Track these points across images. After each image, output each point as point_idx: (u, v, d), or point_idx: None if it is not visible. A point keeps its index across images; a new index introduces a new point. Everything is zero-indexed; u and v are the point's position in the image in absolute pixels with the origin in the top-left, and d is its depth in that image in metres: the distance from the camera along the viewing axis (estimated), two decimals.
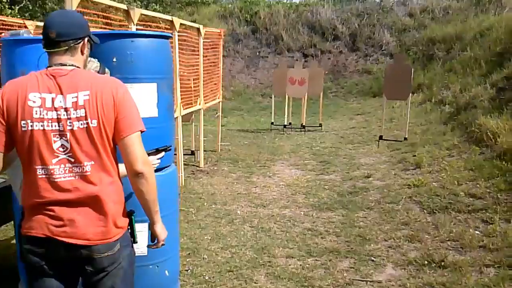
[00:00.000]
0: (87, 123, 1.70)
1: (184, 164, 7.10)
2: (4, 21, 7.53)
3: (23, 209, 1.79)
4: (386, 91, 8.09)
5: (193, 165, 7.27)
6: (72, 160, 1.71)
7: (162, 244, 2.02)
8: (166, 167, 3.06)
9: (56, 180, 1.70)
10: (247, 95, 15.08)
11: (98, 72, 2.25)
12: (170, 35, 3.00)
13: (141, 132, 1.80)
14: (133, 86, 2.78)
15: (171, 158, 3.16)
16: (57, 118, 1.68)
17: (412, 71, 7.90)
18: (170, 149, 2.60)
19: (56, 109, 1.68)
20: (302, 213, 4.98)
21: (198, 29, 6.57)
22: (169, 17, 5.47)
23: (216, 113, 8.48)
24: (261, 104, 14.27)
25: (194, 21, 14.44)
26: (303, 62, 14.86)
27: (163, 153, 2.52)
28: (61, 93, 1.69)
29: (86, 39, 1.83)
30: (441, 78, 11.18)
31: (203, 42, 6.84)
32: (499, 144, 5.55)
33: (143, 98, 2.80)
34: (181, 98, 6.11)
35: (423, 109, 9.81)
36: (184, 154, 7.48)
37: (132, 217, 1.91)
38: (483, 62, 9.60)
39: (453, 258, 3.63)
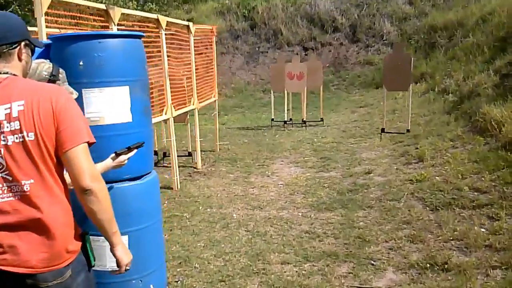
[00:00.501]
0: (23, 137, 1.52)
1: (181, 166, 6.93)
2: None
3: None
4: (386, 83, 7.86)
5: (191, 167, 7.10)
6: (10, 178, 1.53)
7: (126, 269, 1.81)
8: (146, 174, 2.88)
9: None
10: (248, 92, 14.87)
11: (51, 73, 2.05)
12: (142, 34, 2.79)
13: (89, 144, 1.61)
14: (103, 91, 2.61)
15: (150, 164, 2.97)
16: None
17: (412, 60, 7.66)
18: (143, 145, 2.41)
19: None
20: (300, 214, 4.78)
21: (188, 26, 6.37)
22: (154, 16, 5.27)
23: (213, 112, 8.27)
24: (262, 100, 14.05)
25: (192, 19, 14.24)
26: (303, 55, 14.63)
27: (135, 151, 2.34)
28: None
29: (23, 44, 1.63)
30: (444, 66, 10.90)
31: (194, 39, 6.64)
32: (504, 134, 5.30)
33: (115, 102, 2.63)
34: (173, 99, 5.91)
35: (426, 99, 9.55)
36: (181, 156, 7.33)
37: (86, 237, 1.72)
38: (486, 48, 9.32)
39: (457, 259, 3.41)
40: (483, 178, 4.73)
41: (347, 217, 4.56)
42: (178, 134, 7.47)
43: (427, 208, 4.47)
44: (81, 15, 4.28)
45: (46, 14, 3.36)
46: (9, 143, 1.51)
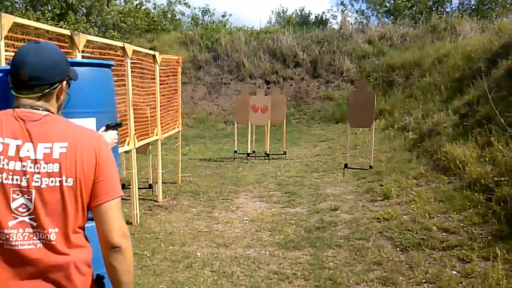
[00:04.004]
0: (61, 182, 1.38)
1: (141, 199, 6.62)
2: None
3: None
4: (349, 119, 7.93)
5: (151, 200, 6.79)
6: (35, 224, 1.37)
7: None
8: None
9: (13, 247, 1.35)
10: (210, 122, 14.73)
11: None
12: (112, 63, 2.62)
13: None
14: None
15: None
16: (22, 170, 1.35)
17: (376, 98, 7.81)
18: (122, 125, 2.19)
19: (21, 159, 1.36)
20: (268, 253, 4.60)
21: (154, 56, 6.21)
22: (120, 44, 5.08)
23: (176, 143, 8.05)
24: (224, 131, 13.94)
25: (154, 48, 14.09)
26: (265, 88, 14.72)
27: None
28: (31, 141, 1.37)
29: (64, 82, 1.49)
30: (402, 104, 11.22)
31: (160, 69, 6.47)
32: (468, 174, 5.39)
33: None
34: (136, 129, 5.68)
35: (386, 135, 9.73)
36: (140, 188, 7.01)
37: (103, 282, 1.57)
38: (443, 88, 9.68)
39: None
40: (450, 218, 4.75)
41: (316, 256, 4.41)
42: (138, 165, 7.16)
43: (397, 248, 4.41)
44: (41, 39, 4.06)
45: (5, 37, 3.12)
46: (43, 185, 1.37)
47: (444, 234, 4.50)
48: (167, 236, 5.19)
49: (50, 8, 17.12)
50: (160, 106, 6.56)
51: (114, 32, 16.97)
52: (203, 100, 15.68)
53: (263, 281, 3.95)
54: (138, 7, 19.73)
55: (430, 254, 4.16)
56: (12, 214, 1.36)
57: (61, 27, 12.75)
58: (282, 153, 9.98)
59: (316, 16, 24.47)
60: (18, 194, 1.36)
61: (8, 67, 2.45)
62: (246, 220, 5.72)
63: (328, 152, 10.09)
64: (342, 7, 23.79)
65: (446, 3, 20.32)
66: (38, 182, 1.37)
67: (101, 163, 1.45)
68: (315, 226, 5.29)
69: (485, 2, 19.36)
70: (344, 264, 4.20)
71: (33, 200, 1.36)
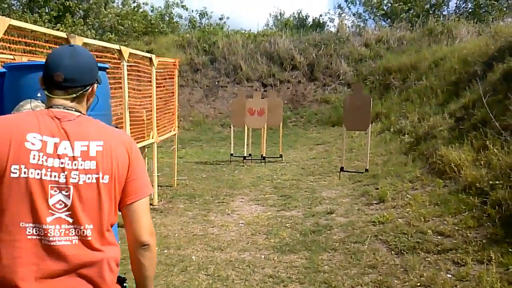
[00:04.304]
0: (97, 178, 1.43)
1: None
2: None
3: None
4: (346, 122, 7.93)
5: None
6: (70, 220, 1.40)
7: None
8: None
9: (51, 243, 1.37)
10: (206, 125, 14.72)
11: None
12: (107, 66, 2.62)
13: None
14: None
15: None
16: (60, 167, 1.39)
17: (372, 101, 7.81)
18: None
19: (59, 157, 1.40)
20: (263, 256, 4.59)
21: (151, 58, 6.21)
22: (116, 46, 5.08)
23: (172, 146, 8.04)
24: (220, 135, 13.93)
25: (151, 51, 14.08)
26: (262, 91, 14.72)
27: None
28: (68, 139, 1.42)
29: (95, 85, 1.55)
30: (398, 107, 11.24)
31: (157, 72, 6.47)
32: (463, 177, 5.40)
33: None
34: (132, 132, 5.67)
35: (383, 138, 9.74)
36: None
37: (125, 284, 1.61)
38: (439, 91, 9.70)
39: None
40: (445, 222, 4.75)
41: (311, 260, 4.41)
42: None
43: (392, 251, 4.41)
44: (36, 42, 4.05)
45: (1, 40, 3.12)
46: (80, 182, 1.41)
47: (439, 237, 4.50)
48: (162, 239, 5.17)
49: (47, 11, 17.11)
50: (157, 109, 6.56)
51: (111, 34, 16.97)
52: (199, 103, 15.67)
53: (258, 284, 3.94)
54: (136, 9, 19.75)
55: (425, 257, 4.16)
56: (49, 210, 1.38)
57: (58, 29, 12.75)
58: (279, 156, 9.98)
59: (313, 19, 24.52)
60: (55, 191, 1.39)
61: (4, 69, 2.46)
62: (241, 223, 5.71)
63: (324, 155, 10.10)
64: (339, 10, 23.92)
65: (443, 6, 20.42)
66: (76, 178, 1.40)
67: (133, 162, 1.52)
68: (310, 230, 5.29)
69: (481, 6, 19.44)
70: (339, 267, 4.20)
71: (71, 196, 1.40)
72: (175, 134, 7.90)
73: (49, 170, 1.38)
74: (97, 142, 1.45)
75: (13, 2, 17.32)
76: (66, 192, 1.40)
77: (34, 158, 1.37)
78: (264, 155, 9.84)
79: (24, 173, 1.36)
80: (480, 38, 11.94)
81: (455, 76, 9.68)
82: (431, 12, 19.44)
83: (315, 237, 5.05)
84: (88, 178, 1.42)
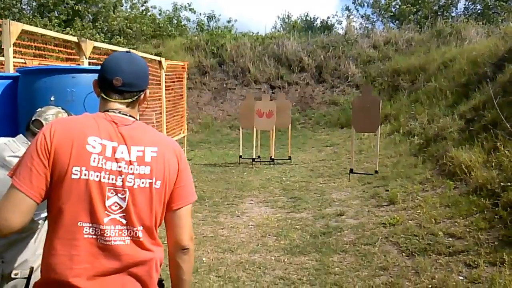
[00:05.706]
0: (150, 183, 1.48)
1: None
2: None
3: (42, 279, 1.47)
4: (354, 124, 7.92)
5: None
6: (124, 221, 1.46)
7: None
8: None
9: (107, 243, 1.43)
10: (215, 127, 14.76)
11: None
12: None
13: None
14: None
15: None
16: (118, 170, 1.45)
17: (381, 103, 7.79)
18: None
19: (117, 160, 1.46)
20: (273, 258, 4.60)
21: (160, 62, 6.25)
22: (125, 50, 5.12)
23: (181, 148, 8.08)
24: (229, 137, 13.96)
25: (160, 54, 14.14)
26: (270, 93, 14.73)
27: None
28: (125, 144, 1.48)
29: (147, 91, 1.61)
30: (407, 108, 11.20)
31: (165, 75, 6.52)
32: (474, 179, 5.37)
33: None
34: None
35: (392, 140, 9.71)
36: None
37: (164, 284, 1.66)
38: (448, 93, 9.65)
39: None
40: (456, 224, 4.73)
41: (321, 262, 4.41)
42: None
43: (403, 253, 4.40)
44: (46, 46, 4.10)
45: (14, 44, 3.16)
46: (135, 186, 1.46)
47: (450, 239, 4.48)
48: None
49: (56, 15, 17.27)
50: (166, 111, 6.61)
51: (120, 38, 17.07)
52: (208, 105, 15.72)
53: (269, 286, 3.95)
54: (144, 13, 19.86)
55: (436, 259, 4.15)
56: (106, 212, 1.43)
57: (67, 33, 12.86)
58: (287, 158, 9.98)
59: (321, 21, 24.53)
60: (112, 193, 1.44)
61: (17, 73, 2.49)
62: (251, 225, 5.72)
63: (334, 157, 10.08)
64: (347, 12, 23.83)
65: (452, 7, 20.32)
66: (131, 182, 1.45)
67: (182, 169, 1.57)
68: (320, 231, 5.29)
69: (490, 7, 19.33)
70: (350, 269, 4.20)
71: (126, 199, 1.45)
72: (184, 136, 7.93)
73: (107, 173, 1.44)
74: (151, 148, 1.50)
75: (23, 7, 17.51)
76: (122, 194, 1.45)
77: (94, 161, 1.42)
78: (273, 157, 9.84)
79: (85, 175, 1.41)
80: (489, 39, 11.87)
81: (465, 77, 9.63)
82: (439, 13, 19.37)
83: (325, 239, 5.05)
84: (142, 183, 1.47)
